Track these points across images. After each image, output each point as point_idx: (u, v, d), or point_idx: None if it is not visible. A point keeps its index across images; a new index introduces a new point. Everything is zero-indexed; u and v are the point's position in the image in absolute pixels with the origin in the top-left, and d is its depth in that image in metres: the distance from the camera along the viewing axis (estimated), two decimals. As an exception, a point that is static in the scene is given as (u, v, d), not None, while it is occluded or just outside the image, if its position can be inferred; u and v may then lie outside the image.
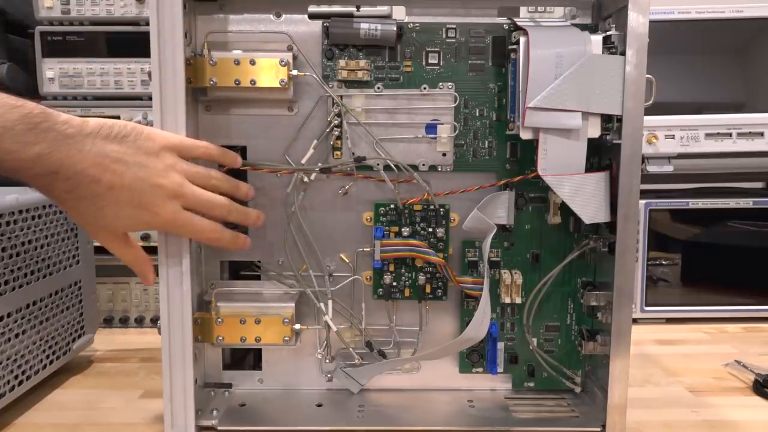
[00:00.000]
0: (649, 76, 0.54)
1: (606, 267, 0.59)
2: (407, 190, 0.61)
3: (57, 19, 0.88)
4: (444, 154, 0.61)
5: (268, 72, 0.57)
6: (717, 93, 0.94)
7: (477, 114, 0.61)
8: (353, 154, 0.61)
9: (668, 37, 0.91)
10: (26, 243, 0.63)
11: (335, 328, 0.61)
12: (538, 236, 0.63)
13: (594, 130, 0.54)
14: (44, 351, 0.66)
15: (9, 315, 0.60)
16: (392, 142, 0.61)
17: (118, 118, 0.88)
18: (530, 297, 0.62)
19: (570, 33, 0.55)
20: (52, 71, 0.89)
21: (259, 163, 0.60)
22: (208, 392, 0.64)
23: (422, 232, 0.62)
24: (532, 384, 0.65)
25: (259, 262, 0.63)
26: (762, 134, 0.90)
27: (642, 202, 0.91)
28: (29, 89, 0.90)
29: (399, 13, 0.61)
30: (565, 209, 0.60)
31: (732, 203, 0.92)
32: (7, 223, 0.61)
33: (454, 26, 0.60)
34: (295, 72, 0.58)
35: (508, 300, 0.61)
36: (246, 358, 0.67)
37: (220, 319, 0.59)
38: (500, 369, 0.64)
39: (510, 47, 0.57)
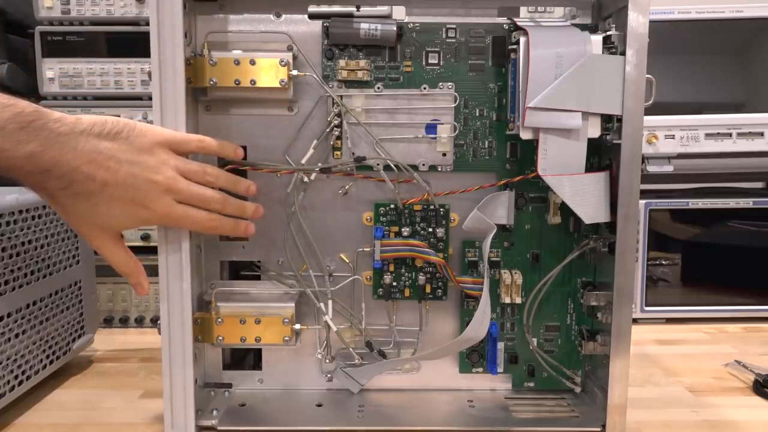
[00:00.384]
0: (649, 76, 0.54)
1: (606, 267, 0.59)
2: (407, 190, 0.61)
3: (57, 19, 0.88)
4: (444, 154, 0.61)
5: (268, 72, 0.57)
6: (717, 93, 0.94)
7: (477, 114, 0.61)
8: (353, 154, 0.61)
9: (668, 37, 0.91)
10: (26, 243, 0.63)
11: (335, 328, 0.61)
12: (538, 236, 0.63)
13: (594, 130, 0.54)
14: (44, 351, 0.66)
15: (9, 315, 0.60)
16: (392, 142, 0.61)
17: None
18: (530, 297, 0.62)
19: (570, 33, 0.55)
20: (52, 71, 0.89)
21: (259, 163, 0.60)
22: (208, 392, 0.64)
23: (422, 232, 0.62)
24: (532, 384, 0.65)
25: (259, 262, 0.63)
26: (762, 134, 0.90)
27: (642, 202, 0.91)
28: (29, 89, 0.90)
29: (399, 13, 0.61)
30: (565, 209, 0.60)
31: (732, 203, 0.92)
32: (7, 223, 0.61)
33: (454, 26, 0.60)
34: (295, 72, 0.58)
35: (508, 300, 0.61)
36: (246, 358, 0.67)
37: (220, 319, 0.59)
38: (500, 369, 0.64)
39: (510, 47, 0.57)
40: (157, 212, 0.52)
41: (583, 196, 0.55)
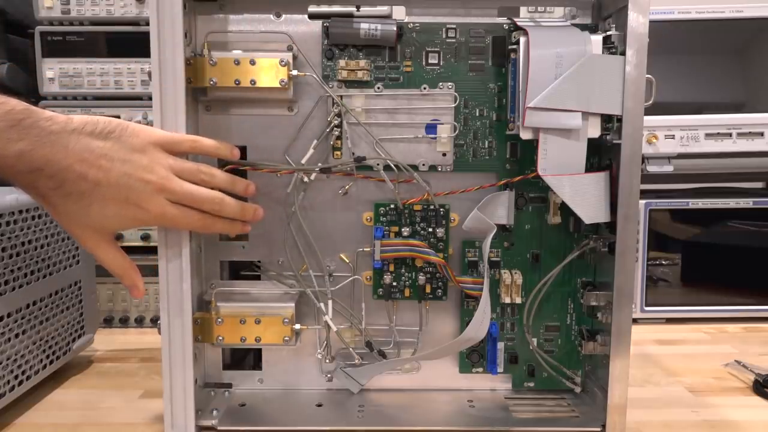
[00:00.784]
0: (649, 76, 0.54)
1: (606, 267, 0.59)
2: (407, 190, 0.61)
3: (57, 19, 0.88)
4: (444, 154, 0.61)
5: (268, 72, 0.57)
6: (717, 93, 0.94)
7: (477, 114, 0.61)
8: (353, 154, 0.61)
9: (668, 37, 0.91)
10: (26, 243, 0.63)
11: (335, 328, 0.61)
12: (538, 236, 0.63)
13: (594, 130, 0.54)
14: (44, 351, 0.66)
15: (9, 315, 0.60)
16: (392, 142, 0.61)
17: (117, 117, 0.87)
18: (530, 297, 0.62)
19: (570, 33, 0.55)
20: (52, 71, 0.89)
21: (259, 163, 0.60)
22: (208, 392, 0.64)
23: (422, 232, 0.62)
24: (532, 384, 0.65)
25: (259, 262, 0.63)
26: (762, 134, 0.90)
27: (642, 202, 0.91)
28: (29, 89, 0.90)
29: (399, 13, 0.61)
30: (565, 209, 0.60)
31: (732, 203, 0.92)
32: (7, 223, 0.61)
33: (454, 26, 0.60)
34: (295, 72, 0.58)
35: (508, 300, 0.61)
36: (246, 358, 0.67)
37: (220, 319, 0.59)
38: (500, 369, 0.64)
39: (510, 47, 0.57)
40: (150, 212, 0.51)
41: (583, 196, 0.55)
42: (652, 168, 0.91)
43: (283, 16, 0.60)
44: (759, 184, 1.10)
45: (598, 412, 0.58)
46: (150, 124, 0.57)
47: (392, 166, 0.60)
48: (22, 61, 0.91)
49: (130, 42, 0.88)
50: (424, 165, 0.61)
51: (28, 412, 0.63)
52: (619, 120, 0.54)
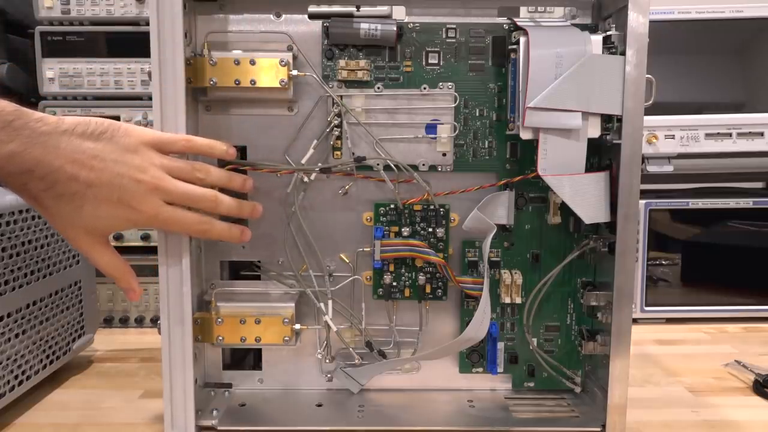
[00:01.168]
0: (649, 76, 0.54)
1: (606, 267, 0.59)
2: (407, 190, 0.61)
3: (57, 19, 0.88)
4: (444, 154, 0.61)
5: (268, 72, 0.57)
6: (717, 93, 0.94)
7: (477, 114, 0.61)
8: (353, 154, 0.61)
9: (668, 37, 0.91)
10: (26, 243, 0.63)
11: (335, 328, 0.61)
12: (538, 236, 0.63)
13: (594, 130, 0.54)
14: (44, 351, 0.66)
15: (9, 315, 0.60)
16: (392, 142, 0.61)
17: (118, 118, 0.88)
18: (530, 297, 0.62)
19: (570, 33, 0.55)
20: (52, 71, 0.89)
21: (259, 163, 0.60)
22: (208, 392, 0.64)
23: (422, 232, 0.62)
24: (532, 384, 0.65)
25: (259, 262, 0.63)
26: (762, 134, 0.90)
27: (642, 202, 0.91)
28: (29, 89, 0.90)
29: (399, 13, 0.61)
30: (565, 209, 0.60)
31: (732, 203, 0.92)
32: (7, 223, 0.61)
33: (454, 26, 0.60)
34: (295, 72, 0.58)
35: (508, 300, 0.61)
36: (246, 358, 0.67)
37: (220, 319, 0.59)
38: (500, 369, 0.64)
39: (510, 47, 0.57)
40: (144, 213, 0.51)
41: (583, 196, 0.55)
42: (652, 168, 0.91)
43: (283, 16, 0.60)
44: (759, 184, 1.10)
45: (598, 412, 0.58)
46: (150, 124, 0.57)
47: (392, 166, 0.60)
48: (22, 61, 0.91)
49: (130, 42, 0.88)
50: (424, 165, 0.61)
51: (28, 412, 0.63)
52: (619, 120, 0.54)
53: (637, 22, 0.52)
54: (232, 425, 0.58)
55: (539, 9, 0.62)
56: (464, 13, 0.61)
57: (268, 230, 0.62)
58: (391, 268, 0.62)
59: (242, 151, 0.60)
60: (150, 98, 0.55)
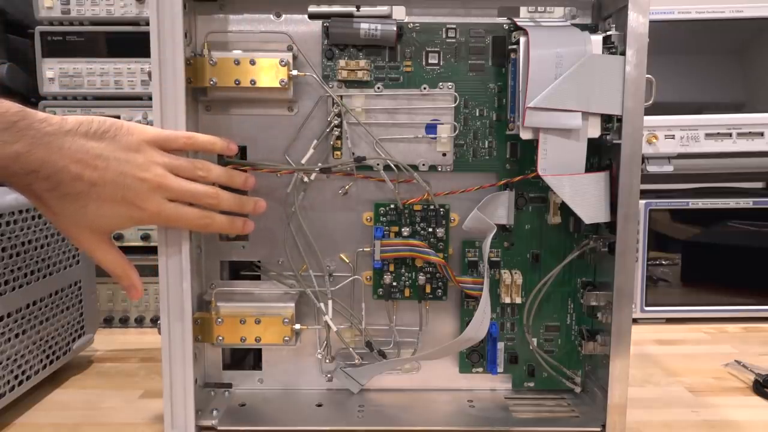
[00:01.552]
0: (649, 76, 0.54)
1: (606, 267, 0.59)
2: (407, 190, 0.61)
3: (57, 19, 0.88)
4: (444, 154, 0.61)
5: (268, 72, 0.57)
6: (717, 93, 0.94)
7: (477, 114, 0.61)
8: (353, 154, 0.61)
9: (668, 37, 0.91)
10: (26, 243, 0.63)
11: (335, 328, 0.61)
12: (538, 236, 0.63)
13: (594, 130, 0.54)
14: (44, 351, 0.66)
15: (9, 315, 0.60)
16: (392, 142, 0.61)
17: (118, 118, 0.87)
18: (530, 297, 0.62)
19: (570, 33, 0.55)
20: (52, 71, 0.89)
21: (259, 163, 0.60)
22: (208, 392, 0.64)
23: (422, 232, 0.62)
24: (532, 384, 0.65)
25: (259, 262, 0.63)
26: (762, 134, 0.90)
27: (642, 202, 0.91)
28: (29, 89, 0.90)
29: (399, 13, 0.61)
30: (565, 209, 0.60)
31: (732, 203, 0.92)
32: (7, 223, 0.61)
33: (454, 26, 0.60)
34: (295, 72, 0.58)
35: (508, 300, 0.61)
36: (246, 358, 0.67)
37: (220, 319, 0.59)
38: (500, 369, 0.64)
39: (510, 47, 0.57)
40: (147, 211, 0.51)
41: (583, 196, 0.55)
42: (652, 168, 0.91)
43: (283, 16, 0.60)
44: (759, 184, 1.10)
45: (598, 412, 0.58)
46: (150, 124, 0.57)
47: (392, 166, 0.60)
48: (22, 61, 0.91)
49: (130, 42, 0.88)
50: (424, 165, 0.61)
51: (28, 412, 0.63)
52: (619, 120, 0.54)
53: (637, 22, 0.52)
54: (232, 425, 0.58)
55: (539, 9, 0.62)
56: (464, 13, 0.61)
57: (268, 230, 0.62)
58: (391, 268, 0.62)
59: (242, 150, 0.60)
60: (150, 98, 0.55)
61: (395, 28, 0.59)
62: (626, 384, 0.56)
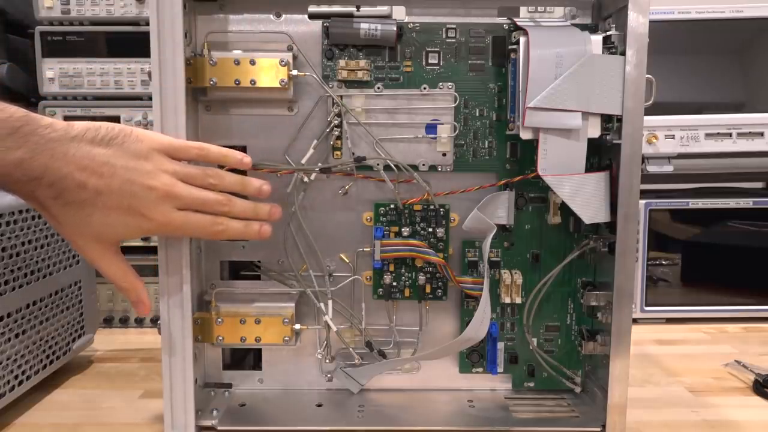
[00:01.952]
0: (649, 76, 0.54)
1: (606, 267, 0.59)
2: (407, 190, 0.61)
3: (57, 19, 0.88)
4: (444, 154, 0.61)
5: (268, 72, 0.57)
6: (717, 93, 0.94)
7: (477, 114, 0.61)
8: (353, 154, 0.61)
9: (668, 37, 0.91)
10: (26, 243, 0.63)
11: (335, 328, 0.61)
12: (538, 236, 0.63)
13: (594, 130, 0.54)
14: (44, 351, 0.66)
15: (9, 315, 0.60)
16: (392, 142, 0.61)
17: (118, 118, 0.88)
18: (530, 297, 0.62)
19: (570, 33, 0.55)
20: (52, 71, 0.89)
21: (259, 163, 0.60)
22: (208, 392, 0.64)
23: (422, 232, 0.62)
24: (532, 384, 0.65)
25: (259, 262, 0.63)
26: (762, 134, 0.90)
27: (642, 202, 0.91)
28: (29, 89, 0.90)
29: (399, 13, 0.61)
30: (565, 209, 0.60)
31: (732, 203, 0.92)
32: (7, 223, 0.61)
33: (454, 26, 0.60)
34: (295, 72, 0.58)
35: (508, 300, 0.61)
36: (246, 358, 0.67)
37: (220, 319, 0.59)
38: (500, 369, 0.64)
39: (510, 47, 0.57)
40: (155, 221, 0.50)
41: (583, 196, 0.55)
42: (652, 168, 0.91)
43: (283, 16, 0.60)
44: (759, 184, 1.10)
45: (598, 412, 0.58)
46: (150, 124, 0.57)
47: (392, 166, 0.60)
48: (22, 61, 0.91)
49: (130, 42, 0.88)
50: (424, 165, 0.61)
51: (28, 412, 0.63)
52: (619, 120, 0.54)
53: (637, 22, 0.52)
54: (232, 425, 0.58)
55: (539, 9, 0.62)
56: (464, 13, 0.61)
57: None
58: (391, 268, 0.62)
59: (242, 151, 0.60)
60: (150, 98, 0.55)
61: (395, 28, 0.59)
62: (626, 384, 0.56)
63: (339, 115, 0.60)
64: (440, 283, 0.62)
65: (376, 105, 0.60)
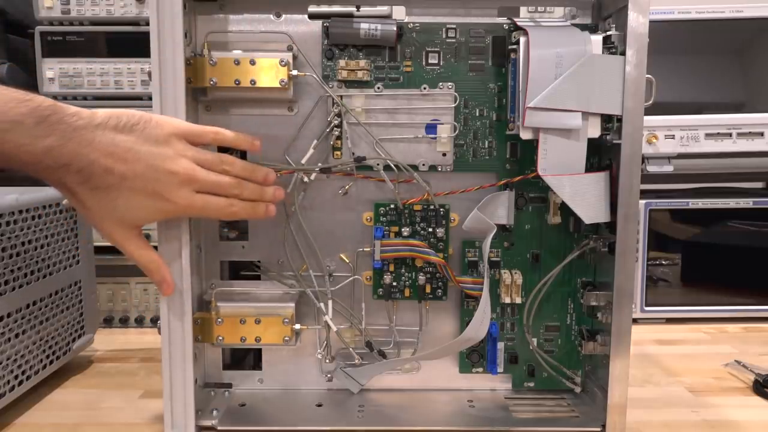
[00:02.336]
0: (649, 76, 0.54)
1: (606, 267, 0.59)
2: (407, 190, 0.61)
3: (57, 19, 0.88)
4: (444, 154, 0.61)
5: (268, 72, 0.57)
6: (717, 93, 0.94)
7: (477, 114, 0.61)
8: (353, 154, 0.61)
9: (668, 37, 0.91)
10: (26, 243, 0.63)
11: (335, 328, 0.61)
12: (538, 236, 0.63)
13: (594, 130, 0.54)
14: (44, 351, 0.66)
15: (9, 315, 0.60)
16: (392, 142, 0.61)
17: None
18: (530, 297, 0.62)
19: (570, 33, 0.55)
20: (52, 71, 0.89)
21: (260, 163, 0.60)
22: (208, 392, 0.64)
23: (422, 232, 0.62)
24: (532, 384, 0.65)
25: (259, 262, 0.63)
26: (762, 134, 0.90)
27: (642, 202, 0.91)
28: (29, 89, 0.90)
29: (399, 13, 0.61)
30: (565, 209, 0.60)
31: (732, 203, 0.92)
32: (7, 223, 0.61)
33: (454, 26, 0.60)
34: (295, 72, 0.58)
35: (508, 300, 0.61)
36: (246, 358, 0.67)
37: (220, 319, 0.59)
38: (500, 369, 0.64)
39: (510, 47, 0.57)
40: (178, 204, 0.52)
41: (583, 196, 0.55)
42: (652, 168, 0.91)
43: (283, 16, 0.60)
44: (759, 184, 1.10)
45: (598, 412, 0.58)
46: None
47: (392, 166, 0.60)
48: (22, 61, 0.91)
49: (130, 42, 0.88)
50: (424, 165, 0.61)
51: (28, 412, 0.63)
52: (619, 120, 0.54)
53: (637, 22, 0.52)
54: (232, 425, 0.58)
55: (539, 9, 0.62)
56: (464, 13, 0.61)
57: (269, 230, 0.62)
58: (391, 268, 0.62)
59: (242, 152, 0.60)
60: (150, 98, 0.55)
61: (395, 28, 0.59)
62: (626, 384, 0.56)
63: (339, 115, 0.60)
64: (440, 283, 0.62)
65: (376, 105, 0.60)
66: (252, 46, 0.59)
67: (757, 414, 0.64)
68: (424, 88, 0.60)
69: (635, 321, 0.87)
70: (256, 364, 0.65)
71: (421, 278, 0.62)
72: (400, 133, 0.61)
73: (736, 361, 0.75)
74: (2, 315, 0.59)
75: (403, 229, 0.61)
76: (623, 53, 0.53)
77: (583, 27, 0.57)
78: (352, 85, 0.60)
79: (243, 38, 0.60)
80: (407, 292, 0.63)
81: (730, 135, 0.90)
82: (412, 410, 0.61)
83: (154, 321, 0.90)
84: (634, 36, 0.52)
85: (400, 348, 0.64)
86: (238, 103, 0.60)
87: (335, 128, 0.60)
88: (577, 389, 0.64)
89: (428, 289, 0.62)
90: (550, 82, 0.53)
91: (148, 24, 0.53)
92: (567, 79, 0.53)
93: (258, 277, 0.63)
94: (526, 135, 0.55)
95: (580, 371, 0.64)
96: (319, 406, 0.62)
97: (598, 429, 0.57)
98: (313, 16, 0.60)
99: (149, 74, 0.54)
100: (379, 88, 0.60)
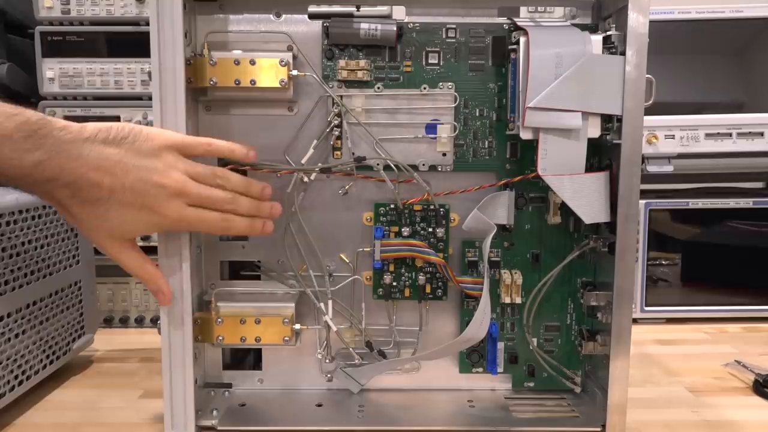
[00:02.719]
0: (649, 76, 0.54)
1: (606, 267, 0.59)
2: (407, 190, 0.61)
3: (57, 19, 0.88)
4: (444, 154, 0.61)
5: (268, 72, 0.57)
6: (717, 93, 0.94)
7: (477, 114, 0.61)
8: (353, 154, 0.61)
9: (668, 37, 0.91)
10: (26, 243, 0.63)
11: (335, 328, 0.61)
12: (538, 236, 0.63)
13: (594, 130, 0.54)
14: (44, 351, 0.66)
15: (9, 315, 0.60)
16: (392, 142, 0.61)
17: (118, 118, 0.88)
18: (530, 297, 0.62)
19: (570, 33, 0.55)
20: (52, 71, 0.89)
21: (259, 163, 0.60)
22: (208, 392, 0.64)
23: (422, 232, 0.62)
24: (532, 384, 0.65)
25: (259, 262, 0.63)
26: (762, 134, 0.90)
27: (642, 202, 0.91)
28: (29, 89, 0.90)
29: (399, 13, 0.61)
30: (565, 209, 0.60)
31: (732, 203, 0.92)
32: (7, 223, 0.61)
33: (454, 26, 0.60)
34: (295, 72, 0.58)
35: (508, 300, 0.61)
36: (246, 358, 0.67)
37: (220, 319, 0.59)
38: (500, 369, 0.64)
39: (510, 47, 0.57)
40: (168, 217, 0.51)
41: (583, 196, 0.55)
42: (652, 168, 0.91)
43: (283, 16, 0.60)
44: (759, 184, 1.10)
45: (598, 412, 0.58)
46: (150, 124, 0.57)
47: (392, 166, 0.60)
48: (22, 61, 0.91)
49: (130, 42, 0.88)
50: (424, 165, 0.61)
51: (28, 412, 0.63)
52: (619, 120, 0.54)
53: (637, 22, 0.52)
54: (232, 425, 0.58)
55: (539, 9, 0.62)
56: (464, 13, 0.61)
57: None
58: (391, 268, 0.62)
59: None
60: (150, 98, 0.55)
61: (395, 28, 0.59)
62: (626, 384, 0.56)
63: (339, 115, 0.60)
64: (440, 283, 0.62)
65: (376, 105, 0.60)
66: (252, 46, 0.59)
67: (757, 414, 0.64)
68: (424, 88, 0.60)
69: (635, 321, 0.87)
70: (256, 364, 0.65)
71: (421, 278, 0.62)
72: (400, 133, 0.61)
73: (736, 361, 0.75)
74: (2, 315, 0.59)
75: (403, 229, 0.61)
76: (623, 53, 0.53)
77: (583, 27, 0.57)
78: (352, 85, 0.60)
79: (243, 38, 0.60)
80: (407, 292, 0.63)
81: (730, 135, 0.90)
82: (412, 410, 0.61)
83: (154, 321, 0.90)
84: (634, 36, 0.52)
85: (400, 348, 0.64)
86: (238, 103, 0.60)
87: (335, 128, 0.60)
88: (577, 389, 0.64)
89: (428, 289, 0.62)
90: (550, 82, 0.53)
91: (148, 24, 0.53)
92: (567, 79, 0.53)
93: (258, 277, 0.63)
94: (526, 135, 0.55)
95: (580, 371, 0.64)
96: (319, 406, 0.62)
97: (598, 429, 0.57)
98: (313, 16, 0.60)
99: (149, 74, 0.54)
100: (379, 88, 0.60)
